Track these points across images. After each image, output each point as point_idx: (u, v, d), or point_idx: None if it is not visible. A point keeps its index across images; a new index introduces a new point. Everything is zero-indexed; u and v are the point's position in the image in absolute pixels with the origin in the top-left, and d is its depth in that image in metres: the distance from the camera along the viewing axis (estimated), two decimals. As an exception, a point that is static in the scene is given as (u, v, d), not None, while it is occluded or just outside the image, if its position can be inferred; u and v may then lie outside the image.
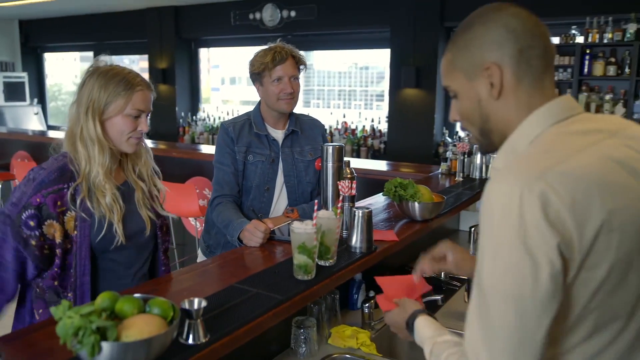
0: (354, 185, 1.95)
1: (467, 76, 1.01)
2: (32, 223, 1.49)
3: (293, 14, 6.50)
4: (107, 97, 1.58)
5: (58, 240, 1.54)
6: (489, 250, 0.87)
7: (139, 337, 1.03)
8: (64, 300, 1.02)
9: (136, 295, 1.14)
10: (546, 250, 0.81)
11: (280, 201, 2.32)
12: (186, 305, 1.15)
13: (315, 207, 1.66)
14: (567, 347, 0.91)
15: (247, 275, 1.59)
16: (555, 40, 4.87)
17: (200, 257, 2.46)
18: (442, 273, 2.33)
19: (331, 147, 2.03)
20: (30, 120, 8.79)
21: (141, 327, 1.05)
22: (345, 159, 2.10)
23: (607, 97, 4.64)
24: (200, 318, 1.18)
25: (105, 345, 0.99)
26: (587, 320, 0.89)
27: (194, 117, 7.72)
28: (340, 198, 1.86)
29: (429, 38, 5.65)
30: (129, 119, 1.60)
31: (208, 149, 5.29)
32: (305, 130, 2.37)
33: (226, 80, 9.31)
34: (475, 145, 3.18)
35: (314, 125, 2.43)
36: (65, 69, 10.57)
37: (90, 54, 9.28)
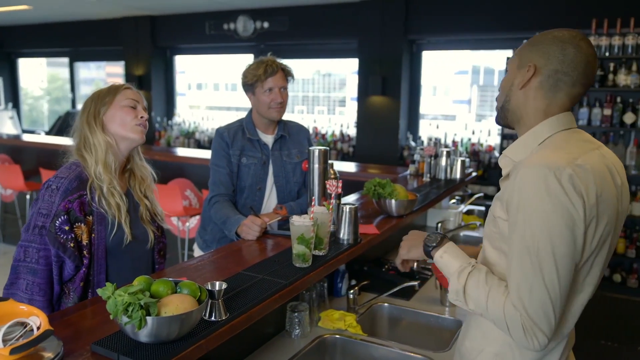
0: (340, 185, 2.13)
1: (519, 64, 1.27)
2: (66, 228, 1.61)
3: (266, 24, 6.67)
4: (101, 102, 1.75)
5: (85, 241, 1.66)
6: (531, 225, 1.10)
7: (175, 312, 1.17)
8: (108, 283, 1.18)
9: (169, 278, 1.30)
10: (578, 218, 1.08)
11: (270, 199, 2.53)
12: (209, 287, 1.33)
13: (314, 204, 1.94)
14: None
15: (251, 264, 1.77)
16: (509, 53, 5.22)
17: (198, 252, 2.64)
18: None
19: (317, 150, 2.22)
20: (4, 124, 8.74)
21: (177, 304, 1.19)
22: (329, 161, 2.29)
23: (555, 105, 5.04)
24: (222, 298, 1.35)
25: (150, 319, 1.13)
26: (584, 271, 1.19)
27: (170, 122, 7.87)
28: (333, 196, 2.12)
29: (394, 49, 5.92)
30: (126, 109, 1.76)
31: (186, 152, 5.49)
32: (293, 135, 2.58)
33: (192, 86, 9.41)
34: (440, 149, 3.51)
35: (300, 130, 2.64)
36: (31, 74, 10.52)
37: (60, 59, 9.28)
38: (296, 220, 1.74)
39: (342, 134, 6.72)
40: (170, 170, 4.92)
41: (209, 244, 2.56)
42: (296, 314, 1.91)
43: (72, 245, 1.62)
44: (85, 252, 1.67)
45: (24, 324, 1.14)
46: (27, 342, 1.05)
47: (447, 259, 1.30)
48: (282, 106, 2.44)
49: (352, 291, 2.17)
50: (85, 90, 9.60)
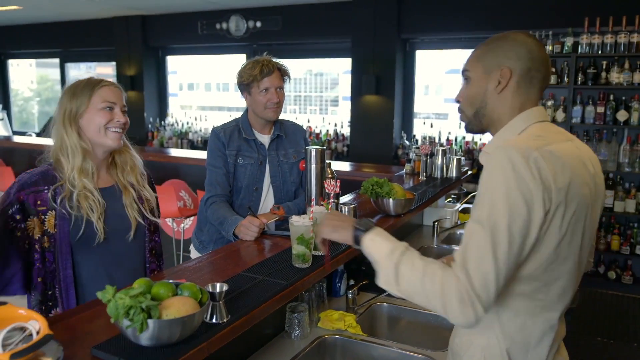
0: (338, 184, 2.10)
1: (485, 70, 1.30)
2: (18, 217, 1.64)
3: (258, 24, 6.66)
4: (78, 101, 1.71)
5: (37, 236, 1.67)
6: (491, 198, 1.12)
7: (177, 315, 1.16)
8: (108, 286, 1.15)
9: (169, 280, 1.28)
10: (537, 199, 1.11)
11: (267, 200, 2.51)
12: (210, 289, 1.31)
13: (313, 204, 1.93)
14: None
15: (251, 265, 1.75)
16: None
17: (194, 253, 2.62)
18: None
19: (314, 149, 2.22)
20: (-7, 125, 8.73)
21: (178, 307, 1.18)
22: (326, 160, 2.28)
23: (549, 103, 5.00)
24: (223, 300, 1.33)
25: (151, 323, 1.12)
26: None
27: (162, 123, 7.84)
28: (331, 195, 2.11)
29: (387, 48, 5.93)
30: (102, 112, 1.71)
31: (179, 153, 5.48)
32: (289, 135, 2.56)
33: (184, 86, 9.38)
34: (437, 147, 3.51)
35: (296, 129, 2.62)
36: (21, 75, 10.45)
37: (50, 60, 9.22)
38: (296, 221, 1.73)
39: (336, 133, 6.72)
40: (165, 171, 4.91)
41: (205, 245, 2.55)
42: (296, 314, 1.90)
43: (18, 234, 1.65)
44: (36, 246, 1.67)
45: (23, 329, 1.12)
46: (27, 348, 1.03)
47: (378, 241, 1.26)
48: (279, 106, 2.43)
49: (351, 291, 2.17)
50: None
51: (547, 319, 1.26)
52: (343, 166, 5.18)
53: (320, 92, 8.33)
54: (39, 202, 1.66)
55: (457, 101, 1.40)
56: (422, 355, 1.85)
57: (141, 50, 7.61)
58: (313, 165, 2.23)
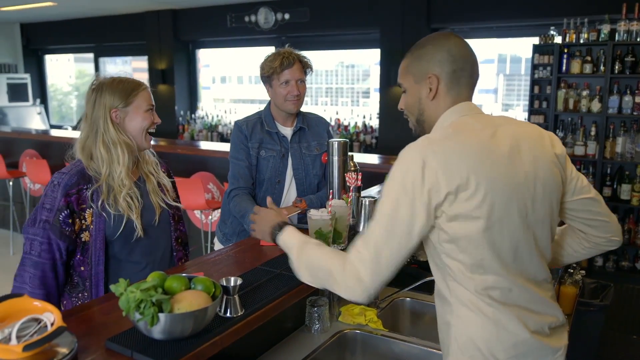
0: (360, 177, 2.13)
1: (415, 80, 1.35)
2: (70, 221, 1.68)
3: (287, 16, 6.66)
4: (126, 100, 1.74)
5: (77, 231, 1.72)
6: (386, 192, 1.24)
7: (189, 309, 1.16)
8: (121, 279, 1.17)
9: (183, 274, 1.29)
10: (420, 192, 1.18)
11: (290, 193, 2.50)
12: (224, 283, 1.32)
13: (330, 197, 1.91)
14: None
15: (269, 259, 1.76)
16: (535, 40, 5.10)
17: (218, 245, 2.63)
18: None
19: (336, 142, 2.20)
20: (33, 119, 8.95)
21: (190, 300, 1.19)
22: (349, 153, 2.26)
23: (584, 93, 4.86)
24: (237, 294, 1.34)
25: (162, 316, 1.13)
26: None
27: (193, 116, 7.91)
28: (351, 188, 2.09)
29: (417, 39, 5.69)
30: (146, 114, 1.78)
31: (209, 146, 5.51)
32: (312, 127, 2.54)
33: (217, 79, 9.46)
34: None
35: (319, 122, 2.60)
36: (60, 70, 10.72)
37: (87, 55, 9.44)
38: (314, 214, 1.72)
39: (364, 125, 6.67)
40: (193, 163, 4.95)
41: (228, 237, 2.56)
42: (315, 308, 1.88)
43: (74, 236, 1.71)
44: (77, 240, 1.73)
45: (38, 320, 1.13)
46: (40, 339, 1.05)
47: (286, 239, 1.43)
48: (299, 99, 2.41)
49: (373, 285, 2.14)
50: (112, 86, 9.68)
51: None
52: (371, 158, 5.13)
53: (352, 83, 8.30)
54: (80, 202, 1.71)
55: (400, 109, 1.45)
56: (444, 352, 1.82)
57: (172, 44, 7.71)
58: (335, 158, 2.22)
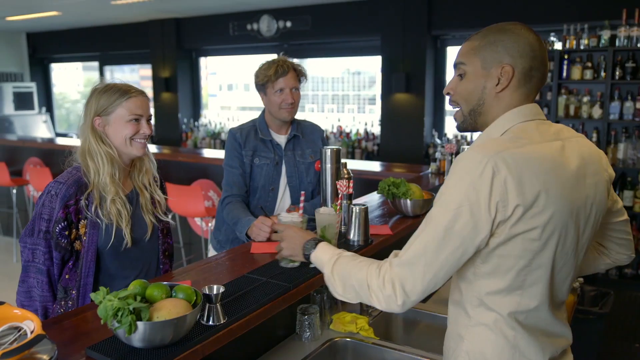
0: (351, 185, 2.12)
1: (484, 65, 1.21)
2: (66, 233, 1.69)
3: (288, 24, 6.69)
4: (106, 109, 1.72)
5: (71, 240, 1.72)
6: (444, 200, 1.13)
7: (168, 317, 1.16)
8: (102, 287, 1.17)
9: (164, 282, 1.29)
10: (486, 204, 1.08)
11: (284, 200, 2.50)
12: (207, 291, 1.31)
13: (302, 199, 1.91)
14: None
15: (257, 267, 1.75)
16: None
17: (212, 252, 2.63)
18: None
19: (329, 149, 2.20)
20: (38, 127, 9.02)
21: (169, 309, 1.18)
22: (342, 160, 2.26)
23: (585, 99, 4.85)
24: (219, 302, 1.33)
25: (140, 324, 1.13)
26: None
27: (196, 123, 7.95)
28: (340, 196, 2.09)
29: (417, 46, 5.84)
30: (129, 124, 1.73)
31: (210, 153, 5.52)
32: (306, 135, 2.55)
33: (223, 87, 9.49)
34: (462, 146, 3.44)
35: (314, 129, 2.61)
36: (69, 78, 10.81)
37: (95, 63, 9.54)
38: (284, 217, 1.73)
39: (366, 132, 6.67)
40: (195, 171, 4.97)
41: (222, 244, 2.56)
42: (306, 316, 1.88)
43: (70, 247, 1.72)
44: (69, 248, 1.73)
45: (18, 328, 1.14)
46: (18, 347, 1.05)
47: (319, 255, 1.37)
48: (294, 107, 2.42)
49: (365, 293, 2.13)
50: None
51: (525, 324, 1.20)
52: (372, 166, 5.12)
53: (357, 90, 8.31)
54: (78, 212, 1.71)
55: (447, 94, 1.31)
56: (435, 360, 1.80)
57: (175, 52, 7.76)
58: (328, 166, 2.22)
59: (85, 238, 1.72)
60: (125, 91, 1.75)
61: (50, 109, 10.06)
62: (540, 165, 1.11)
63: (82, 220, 1.71)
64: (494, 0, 5.46)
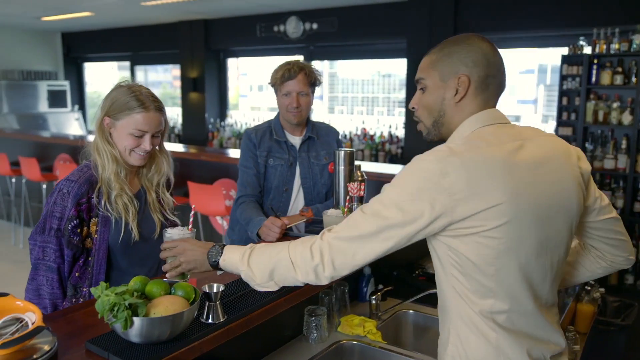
0: (363, 187, 2.11)
1: (442, 77, 1.25)
2: (78, 230, 1.70)
3: (315, 26, 6.71)
4: (117, 114, 1.72)
5: (83, 237, 1.73)
6: (388, 193, 1.17)
7: (164, 314, 1.18)
8: (102, 282, 1.20)
9: (163, 279, 1.33)
10: (430, 203, 1.11)
11: (297, 201, 2.51)
12: (207, 289, 1.33)
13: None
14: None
15: None
16: (564, 50, 4.99)
17: None
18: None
19: (343, 151, 2.20)
20: (71, 125, 9.25)
21: (167, 305, 1.20)
22: (357, 162, 2.25)
23: (615, 105, 4.73)
24: (219, 301, 1.35)
25: (136, 320, 1.15)
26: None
27: (222, 123, 8.04)
28: (353, 198, 2.08)
29: None
30: (130, 136, 1.72)
31: (234, 153, 5.56)
32: (321, 136, 2.55)
33: (254, 88, 9.58)
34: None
35: (329, 131, 2.61)
36: (104, 77, 11.07)
37: (127, 63, 9.75)
38: (175, 233, 1.61)
39: (390, 135, 6.63)
40: (217, 170, 5.01)
41: (236, 244, 2.53)
42: (313, 318, 1.88)
43: (81, 245, 1.72)
44: (80, 246, 1.74)
45: (20, 320, 1.17)
46: (16, 338, 1.08)
47: (228, 257, 1.33)
48: (300, 111, 2.42)
49: (374, 296, 2.11)
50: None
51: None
52: (394, 169, 5.09)
53: (387, 93, 8.28)
54: (89, 210, 1.73)
55: (412, 109, 1.35)
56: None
57: (203, 53, 7.86)
58: (341, 168, 2.22)
59: (96, 236, 1.73)
60: (140, 103, 1.71)
61: (82, 107, 10.31)
62: (491, 167, 1.12)
63: (94, 218, 1.73)
64: (521, 3, 5.37)
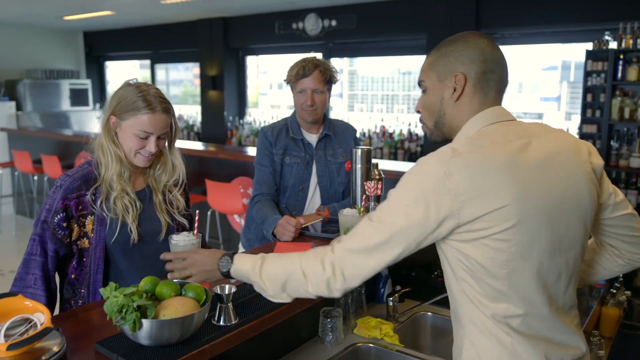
0: (380, 186, 2.08)
1: (439, 78, 1.25)
2: (64, 224, 1.65)
3: (334, 23, 6.67)
4: (122, 113, 1.67)
5: (74, 238, 1.69)
6: (394, 198, 1.15)
7: (174, 316, 1.16)
8: (111, 282, 1.18)
9: (174, 280, 1.31)
10: (436, 207, 1.09)
11: (314, 200, 2.48)
12: (218, 291, 1.31)
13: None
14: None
15: None
16: (589, 46, 4.88)
17: (241, 250, 2.57)
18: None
19: (360, 149, 2.17)
20: (92, 123, 9.35)
21: (176, 307, 1.19)
22: (374, 161, 2.22)
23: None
24: (231, 302, 1.33)
25: (145, 322, 1.13)
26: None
27: (241, 121, 8.05)
28: (364, 197, 2.05)
29: None
30: (135, 137, 1.67)
31: (252, 151, 5.56)
32: (338, 134, 2.52)
33: (274, 86, 9.59)
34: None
35: (346, 129, 2.57)
36: (126, 76, 11.16)
37: (148, 62, 9.82)
38: (180, 240, 1.60)
39: (409, 133, 6.56)
40: (235, 168, 5.02)
41: (252, 243, 2.56)
42: (329, 319, 1.85)
43: (68, 241, 1.68)
44: (74, 247, 1.70)
45: (28, 320, 1.16)
46: (24, 340, 1.07)
47: (239, 267, 1.32)
48: (315, 109, 2.37)
49: (391, 298, 2.08)
50: (174, 91, 10.14)
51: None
52: (410, 167, 5.03)
53: (407, 90, 8.24)
54: (80, 207, 1.68)
55: (417, 112, 1.34)
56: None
57: (222, 51, 7.87)
58: (358, 166, 2.19)
59: (92, 235, 1.69)
60: (148, 103, 1.66)
61: (104, 106, 10.41)
62: (495, 167, 1.10)
63: (89, 217, 1.69)
64: (545, -3, 5.26)
